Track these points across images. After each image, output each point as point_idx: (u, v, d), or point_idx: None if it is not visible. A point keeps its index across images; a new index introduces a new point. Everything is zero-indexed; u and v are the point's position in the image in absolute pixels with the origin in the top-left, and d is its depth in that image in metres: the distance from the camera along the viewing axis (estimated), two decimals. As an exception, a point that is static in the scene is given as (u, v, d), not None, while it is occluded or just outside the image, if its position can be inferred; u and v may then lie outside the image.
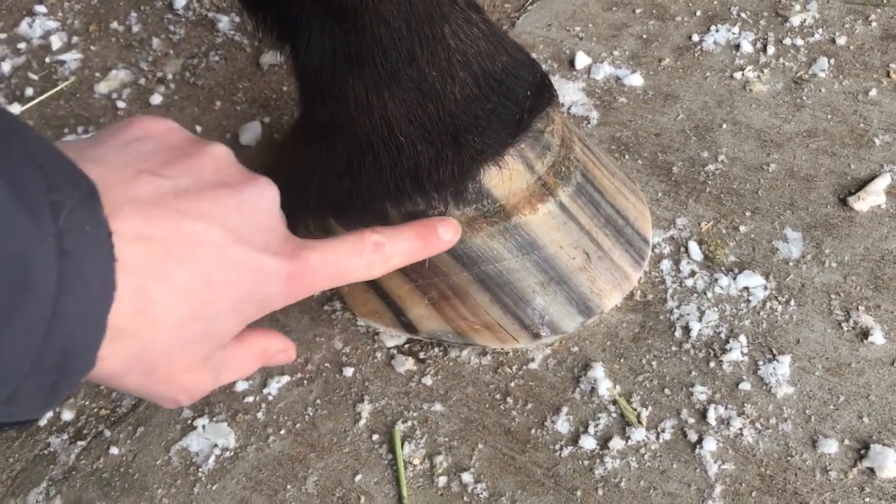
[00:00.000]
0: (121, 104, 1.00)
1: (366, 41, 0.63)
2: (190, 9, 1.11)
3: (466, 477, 0.68)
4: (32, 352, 0.35)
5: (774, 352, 0.72)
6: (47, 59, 1.07)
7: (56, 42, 1.08)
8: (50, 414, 0.76)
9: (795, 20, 0.98)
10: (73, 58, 1.06)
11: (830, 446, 0.67)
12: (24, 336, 0.34)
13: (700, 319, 0.75)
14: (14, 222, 0.32)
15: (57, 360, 0.36)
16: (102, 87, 1.02)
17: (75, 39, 1.09)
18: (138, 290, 0.40)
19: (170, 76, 1.03)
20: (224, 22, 1.08)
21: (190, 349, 0.46)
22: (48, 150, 0.36)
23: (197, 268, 0.43)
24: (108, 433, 0.74)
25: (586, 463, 0.68)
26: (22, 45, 1.09)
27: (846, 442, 0.67)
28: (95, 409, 0.76)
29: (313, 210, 0.72)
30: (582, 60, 0.97)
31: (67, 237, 0.34)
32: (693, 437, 0.69)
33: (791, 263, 0.78)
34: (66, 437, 0.74)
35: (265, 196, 0.48)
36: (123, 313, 0.39)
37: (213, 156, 0.47)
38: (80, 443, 0.74)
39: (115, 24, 1.10)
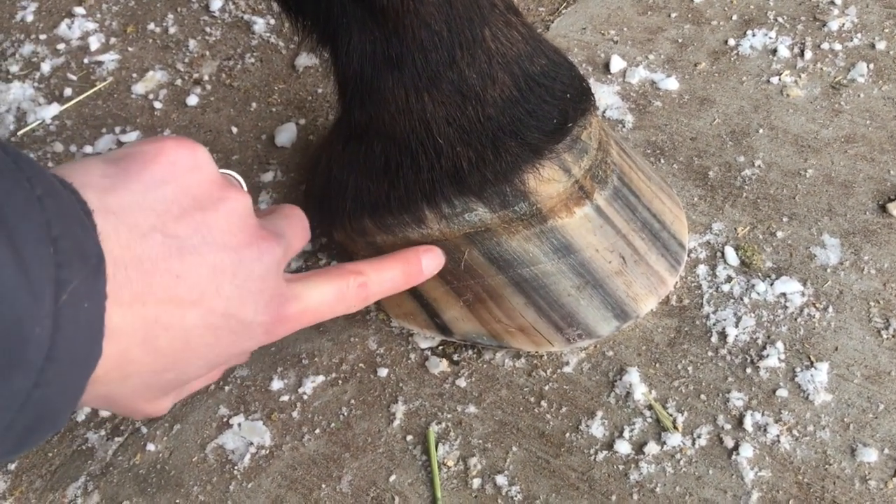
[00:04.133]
0: (157, 105, 1.02)
1: (406, 44, 0.64)
2: (226, 11, 1.12)
3: (501, 479, 0.68)
4: (7, 420, 0.34)
5: (812, 359, 0.72)
6: (86, 60, 1.08)
7: (94, 43, 1.10)
8: (88, 410, 0.77)
9: (834, 25, 0.97)
10: (110, 59, 1.08)
11: (870, 455, 0.66)
12: (3, 407, 0.34)
13: (737, 325, 0.74)
14: (15, 301, 0.32)
15: (30, 423, 0.36)
16: (139, 88, 1.04)
17: (113, 41, 1.10)
18: (121, 354, 0.41)
19: (206, 77, 1.04)
20: (260, 24, 1.09)
21: (155, 391, 0.48)
22: (66, 219, 0.36)
23: (180, 332, 0.44)
24: (144, 430, 0.75)
25: (621, 468, 0.68)
26: (61, 46, 1.10)
27: (886, 451, 0.66)
28: (133, 406, 0.77)
29: (350, 211, 0.72)
30: (617, 64, 0.97)
31: (64, 313, 0.34)
32: (729, 443, 0.68)
33: (829, 270, 0.77)
34: (103, 433, 0.75)
35: (263, 260, 0.49)
36: (101, 371, 0.39)
37: (226, 213, 0.47)
38: (117, 439, 0.75)
39: (151, 26, 1.11)
